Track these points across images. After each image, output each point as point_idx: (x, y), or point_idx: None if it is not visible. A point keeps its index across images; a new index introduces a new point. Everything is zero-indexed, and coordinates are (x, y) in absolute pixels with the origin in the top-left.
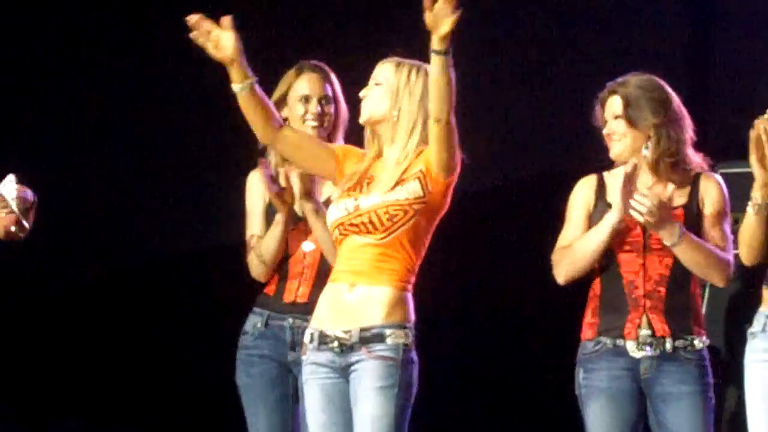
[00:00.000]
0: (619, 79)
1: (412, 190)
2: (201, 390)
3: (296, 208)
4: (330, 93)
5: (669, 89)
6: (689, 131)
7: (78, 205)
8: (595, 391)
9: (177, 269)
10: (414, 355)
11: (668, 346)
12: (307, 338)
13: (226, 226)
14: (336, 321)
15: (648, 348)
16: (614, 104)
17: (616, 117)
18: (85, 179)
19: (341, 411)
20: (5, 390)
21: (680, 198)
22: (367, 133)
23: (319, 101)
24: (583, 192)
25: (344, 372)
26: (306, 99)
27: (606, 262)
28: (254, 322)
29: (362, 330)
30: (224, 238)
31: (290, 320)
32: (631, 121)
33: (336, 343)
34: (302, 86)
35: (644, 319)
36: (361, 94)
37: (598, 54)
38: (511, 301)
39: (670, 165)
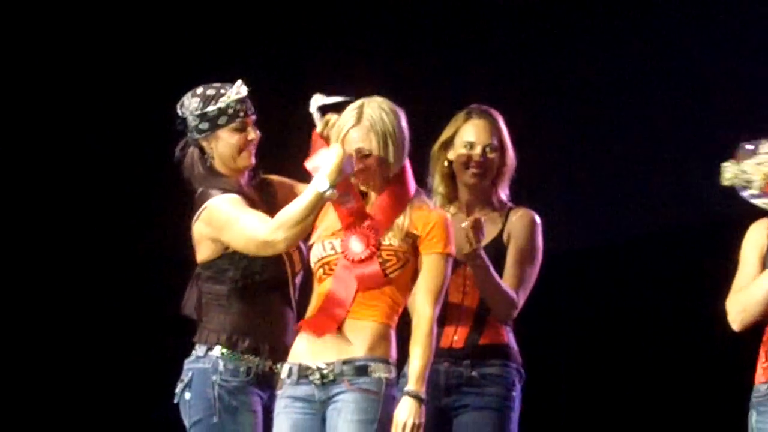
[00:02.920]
0: None
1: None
2: None
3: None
4: (496, 141)
5: None
6: None
7: None
8: None
9: None
10: (395, 392)
11: None
12: (284, 374)
13: None
14: (318, 354)
15: None
16: None
17: None
18: None
19: None
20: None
21: None
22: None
23: (484, 149)
24: (755, 235)
25: (322, 405)
26: (471, 146)
27: None
28: None
29: (345, 362)
30: None
31: (445, 365)
32: None
33: (317, 375)
34: (468, 132)
35: None
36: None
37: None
38: (682, 346)
39: None
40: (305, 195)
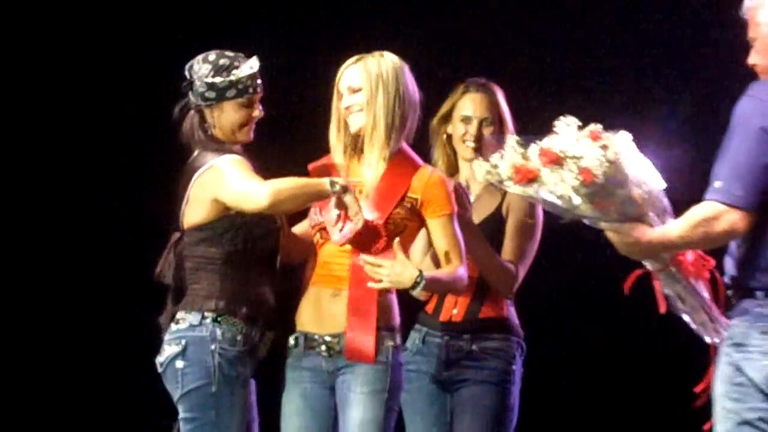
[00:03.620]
0: None
1: (404, 206)
2: None
3: None
4: (493, 115)
5: None
6: None
7: None
8: None
9: None
10: (401, 357)
11: None
12: (291, 342)
13: None
14: (322, 325)
15: None
16: None
17: None
18: None
19: (317, 416)
20: None
21: None
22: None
23: (480, 123)
24: None
25: (330, 376)
26: (467, 120)
27: None
28: (413, 338)
29: None
30: None
31: (446, 338)
32: None
33: (324, 347)
34: (465, 106)
35: None
36: (344, 105)
37: None
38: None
39: None
40: (314, 181)
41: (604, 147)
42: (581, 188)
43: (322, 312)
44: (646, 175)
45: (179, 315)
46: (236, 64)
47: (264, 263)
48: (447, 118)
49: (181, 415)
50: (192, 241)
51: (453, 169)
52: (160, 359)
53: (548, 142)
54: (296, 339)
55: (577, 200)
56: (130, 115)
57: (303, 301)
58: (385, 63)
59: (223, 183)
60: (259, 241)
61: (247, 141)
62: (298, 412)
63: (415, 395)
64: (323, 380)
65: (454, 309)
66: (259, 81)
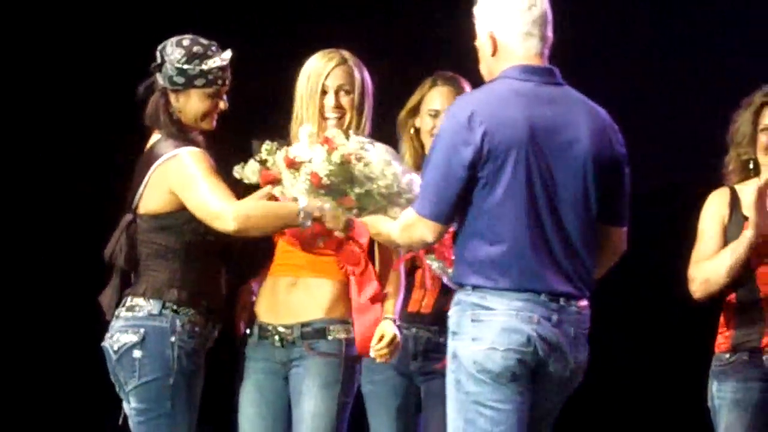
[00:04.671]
0: None
1: None
2: None
3: None
4: None
5: None
6: None
7: None
8: (728, 403)
9: None
10: (355, 351)
11: None
12: (248, 332)
13: None
14: (276, 315)
15: None
16: None
17: None
18: None
19: (272, 406)
20: None
21: None
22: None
23: None
24: (716, 205)
25: (284, 366)
26: (436, 113)
27: (742, 273)
28: None
29: (303, 325)
30: None
31: (413, 330)
32: None
33: (277, 338)
34: (433, 99)
35: None
36: (333, 104)
37: (727, 60)
38: (641, 312)
39: None
40: (283, 210)
41: (331, 151)
42: (313, 189)
43: (277, 302)
44: (389, 172)
45: (135, 301)
46: (209, 53)
47: (220, 254)
48: (415, 111)
49: (133, 405)
50: (150, 228)
51: (420, 162)
52: (112, 345)
53: (292, 149)
54: (252, 329)
55: (312, 199)
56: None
57: (261, 291)
58: (364, 71)
59: (188, 187)
60: (218, 232)
61: (209, 130)
62: (253, 402)
63: (379, 387)
64: (277, 371)
65: (423, 300)
66: (228, 73)
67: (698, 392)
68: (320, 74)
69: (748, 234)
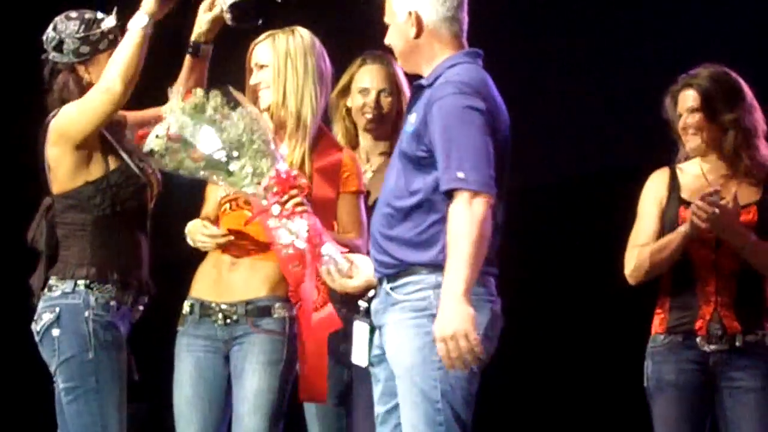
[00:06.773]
0: (692, 72)
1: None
2: None
3: None
4: (391, 86)
5: (741, 81)
6: (762, 123)
7: None
8: (663, 384)
9: None
10: (296, 330)
11: (738, 341)
12: (186, 309)
13: None
14: (219, 293)
15: (718, 343)
16: (689, 98)
17: (693, 110)
18: None
19: (210, 386)
20: None
21: (754, 194)
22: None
23: (378, 94)
24: (655, 187)
25: (225, 345)
26: (366, 92)
27: (677, 259)
28: None
29: (248, 303)
30: None
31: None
32: (708, 115)
33: (220, 315)
34: (363, 78)
35: (715, 315)
36: (252, 81)
37: (666, 45)
38: (579, 295)
39: (747, 158)
40: (129, 38)
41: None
42: (167, 141)
43: (220, 280)
44: (248, 124)
45: (52, 282)
46: (100, 17)
47: (134, 225)
48: (346, 91)
49: (61, 385)
50: (62, 208)
51: (353, 142)
52: (36, 327)
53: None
54: (191, 306)
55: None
56: None
57: (200, 268)
58: (294, 40)
59: (68, 116)
60: (127, 202)
61: None
62: (190, 381)
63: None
64: (217, 349)
65: None
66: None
67: (636, 374)
68: (247, 56)
69: (682, 230)
